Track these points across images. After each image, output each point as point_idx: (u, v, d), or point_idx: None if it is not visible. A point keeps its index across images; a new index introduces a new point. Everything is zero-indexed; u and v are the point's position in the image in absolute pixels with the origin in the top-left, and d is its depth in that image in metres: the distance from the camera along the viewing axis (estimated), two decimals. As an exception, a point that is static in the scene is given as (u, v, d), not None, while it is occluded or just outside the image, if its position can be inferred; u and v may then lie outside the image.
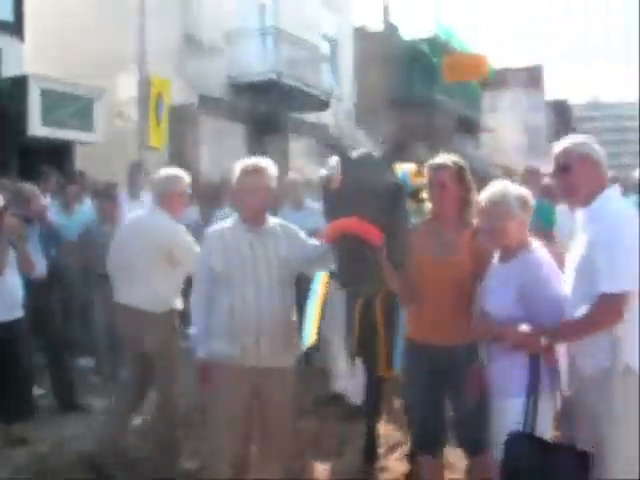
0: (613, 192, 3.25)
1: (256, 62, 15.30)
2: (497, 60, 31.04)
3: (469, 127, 34.11)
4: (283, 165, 17.68)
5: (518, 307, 3.30)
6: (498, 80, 36.13)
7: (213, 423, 3.84)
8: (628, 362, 3.06)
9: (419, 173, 4.24)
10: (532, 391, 3.25)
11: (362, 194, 3.55)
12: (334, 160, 6.03)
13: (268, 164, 3.82)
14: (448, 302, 3.62)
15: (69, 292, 7.03)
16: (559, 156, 3.25)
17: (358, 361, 4.66)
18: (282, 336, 3.77)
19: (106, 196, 7.11)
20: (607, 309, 3.03)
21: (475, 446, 3.71)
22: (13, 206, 5.67)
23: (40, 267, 5.97)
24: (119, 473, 4.90)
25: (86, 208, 7.94)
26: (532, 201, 3.45)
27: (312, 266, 4.06)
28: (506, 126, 41.89)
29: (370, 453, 4.80)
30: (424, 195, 3.83)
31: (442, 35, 26.89)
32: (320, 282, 4.61)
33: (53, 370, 6.23)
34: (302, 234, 3.95)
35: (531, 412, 3.24)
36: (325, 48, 18.83)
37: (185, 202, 4.95)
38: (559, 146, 3.29)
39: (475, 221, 3.67)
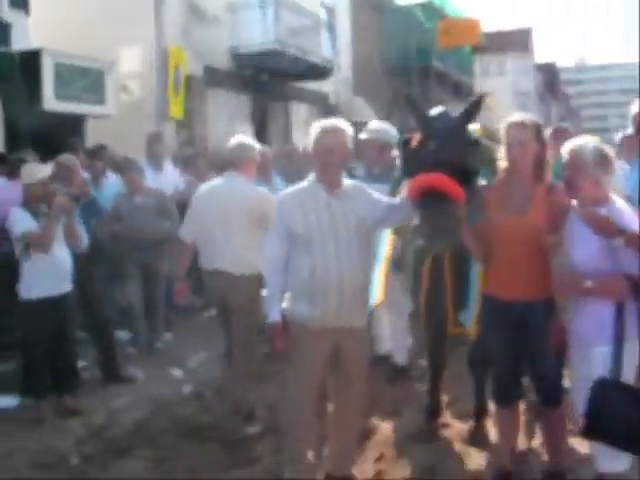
0: None
1: (258, 32, 15.14)
2: (487, 23, 30.99)
3: (463, 92, 34.05)
4: (286, 132, 17.69)
5: (603, 258, 3.35)
6: (488, 44, 35.99)
7: (292, 381, 3.85)
8: None
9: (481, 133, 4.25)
10: (618, 339, 3.32)
11: (443, 151, 3.55)
12: (374, 124, 6.06)
13: (345, 125, 3.80)
14: (525, 258, 3.66)
15: (108, 265, 7.03)
16: None
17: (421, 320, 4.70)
18: (360, 296, 3.81)
19: (133, 168, 7.10)
20: None
21: (554, 397, 3.81)
22: (56, 179, 5.65)
23: (83, 240, 5.97)
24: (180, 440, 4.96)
25: (112, 181, 7.91)
26: (613, 157, 3.47)
27: (385, 223, 4.06)
28: (497, 90, 41.87)
29: (434, 410, 4.86)
30: (496, 155, 3.85)
31: (436, 0, 26.72)
32: (385, 242, 4.62)
33: (99, 343, 6.25)
34: (373, 192, 3.95)
35: (617, 359, 3.31)
36: (323, 15, 18.66)
37: (255, 168, 5.10)
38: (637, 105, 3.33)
39: (549, 177, 3.72)
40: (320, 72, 17.02)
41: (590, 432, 3.37)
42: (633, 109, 3.35)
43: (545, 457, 4.34)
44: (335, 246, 3.68)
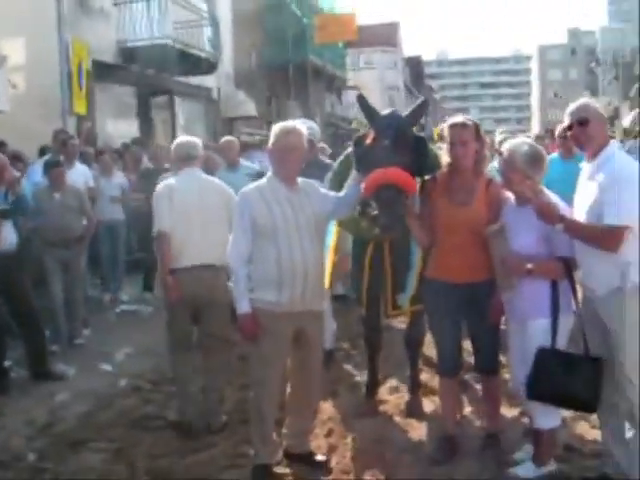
0: (615, 145, 3.83)
1: (145, 25, 15.00)
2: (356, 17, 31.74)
3: (336, 86, 34.91)
4: (172, 127, 17.64)
5: (541, 244, 3.87)
6: (358, 38, 36.93)
7: (260, 365, 4.12)
8: (635, 281, 3.64)
9: None
10: (554, 312, 3.83)
11: (395, 147, 3.94)
12: (307, 123, 6.34)
13: (303, 127, 4.10)
14: (468, 244, 4.10)
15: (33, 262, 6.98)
16: (579, 111, 3.77)
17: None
18: (320, 282, 4.14)
19: (55, 164, 7.10)
20: (610, 238, 3.59)
21: (493, 366, 4.33)
22: None
23: (11, 239, 5.96)
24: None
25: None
26: (544, 157, 3.96)
27: (334, 216, 4.40)
28: (367, 84, 43.05)
29: (373, 388, 5.24)
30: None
31: (311, -6, 27.22)
32: (332, 232, 4.95)
33: (30, 339, 6.23)
34: (320, 188, 4.29)
35: (554, 330, 3.83)
36: (205, 9, 18.65)
37: None
38: (577, 104, 3.83)
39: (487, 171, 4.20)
40: (206, 67, 17.08)
41: (533, 393, 3.86)
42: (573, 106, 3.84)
43: (476, 424, 4.88)
44: (298, 236, 3.98)
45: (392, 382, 5.75)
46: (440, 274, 4.22)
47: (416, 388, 5.20)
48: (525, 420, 4.75)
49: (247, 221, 4.02)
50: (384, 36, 48.65)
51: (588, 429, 4.70)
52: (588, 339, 3.83)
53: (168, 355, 5.32)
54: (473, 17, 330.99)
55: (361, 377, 5.90)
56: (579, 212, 3.81)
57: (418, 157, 4.04)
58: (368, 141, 4.10)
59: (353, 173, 4.30)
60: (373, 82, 46.94)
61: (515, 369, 4.13)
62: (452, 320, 4.26)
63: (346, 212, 4.39)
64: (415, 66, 59.79)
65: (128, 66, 15.15)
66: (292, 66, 26.10)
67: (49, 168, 7.06)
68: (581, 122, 3.74)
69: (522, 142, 3.98)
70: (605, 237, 3.61)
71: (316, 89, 29.70)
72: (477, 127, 4.13)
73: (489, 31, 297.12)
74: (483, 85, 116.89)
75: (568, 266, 3.83)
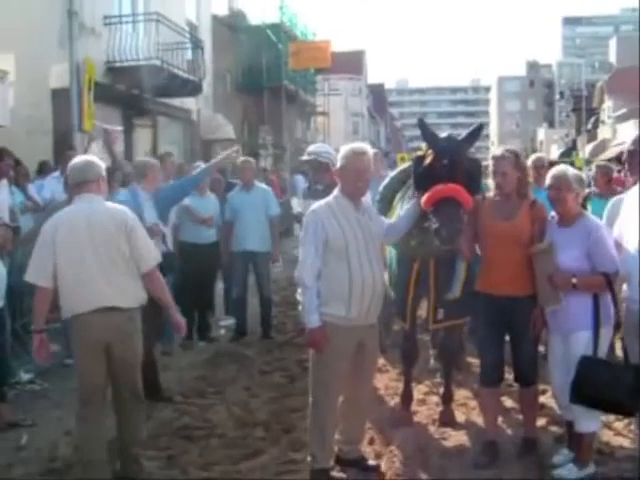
0: None
1: (135, 46, 15.18)
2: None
3: (307, 111, 35.42)
4: (154, 147, 17.76)
5: (585, 261, 4.23)
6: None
7: (324, 375, 4.31)
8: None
9: None
10: (596, 324, 4.18)
11: (453, 166, 4.29)
12: (314, 147, 6.62)
13: (370, 149, 4.39)
14: (511, 257, 4.43)
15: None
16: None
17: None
18: (381, 298, 4.41)
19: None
20: None
21: (532, 376, 4.64)
22: None
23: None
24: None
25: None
26: (584, 180, 4.36)
27: (385, 240, 4.67)
28: (334, 110, 43.66)
29: (408, 399, 5.49)
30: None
31: (287, 22, 27.70)
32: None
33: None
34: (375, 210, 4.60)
35: (595, 340, 4.17)
36: (188, 32, 18.92)
37: None
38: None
39: (531, 194, 4.56)
40: (191, 88, 17.31)
41: (576, 397, 4.17)
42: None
43: (509, 430, 5.18)
44: (367, 254, 4.24)
45: (418, 395, 5.99)
46: (485, 287, 4.55)
47: (449, 399, 5.47)
48: (554, 428, 5.09)
49: (320, 237, 4.20)
50: (350, 64, 49.37)
51: (612, 436, 5.04)
52: (628, 349, 4.18)
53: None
54: (433, 46, 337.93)
55: (385, 391, 6.19)
56: (629, 229, 4.17)
57: (472, 176, 4.39)
58: (427, 161, 4.42)
59: (409, 203, 4.64)
60: (338, 108, 47.57)
61: (556, 378, 4.45)
62: (495, 332, 4.57)
63: (395, 239, 4.69)
64: (378, 93, 60.79)
65: (115, 86, 15.30)
66: (267, 91, 26.49)
67: None
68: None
69: (566, 167, 4.37)
70: None
71: (288, 114, 30.12)
72: (516, 157, 4.49)
73: (448, 61, 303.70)
74: (441, 114, 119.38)
75: (609, 280, 4.18)
